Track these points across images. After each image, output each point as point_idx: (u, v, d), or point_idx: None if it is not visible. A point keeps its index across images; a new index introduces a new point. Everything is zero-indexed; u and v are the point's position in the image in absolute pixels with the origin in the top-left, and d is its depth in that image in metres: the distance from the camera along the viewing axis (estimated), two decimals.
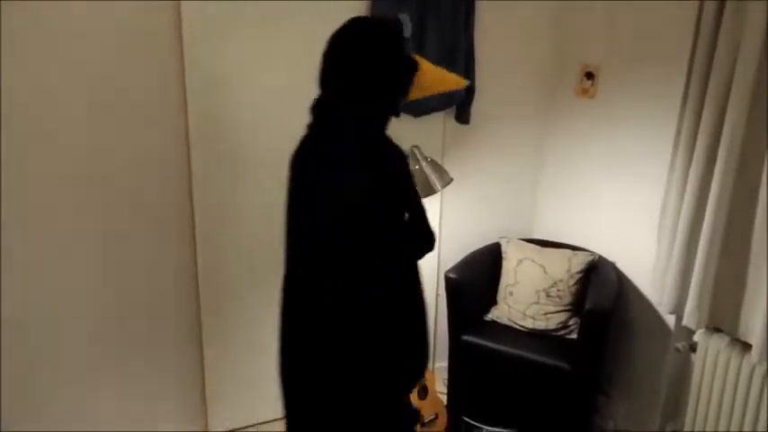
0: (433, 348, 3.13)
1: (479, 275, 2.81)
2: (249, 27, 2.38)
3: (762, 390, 2.14)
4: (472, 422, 2.74)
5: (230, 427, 2.79)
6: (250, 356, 2.74)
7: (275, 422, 2.85)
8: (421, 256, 1.72)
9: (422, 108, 2.69)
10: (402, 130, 2.69)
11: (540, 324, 2.68)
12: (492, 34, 2.76)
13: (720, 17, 2.11)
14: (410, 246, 1.70)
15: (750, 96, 2.06)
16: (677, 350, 2.48)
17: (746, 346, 2.21)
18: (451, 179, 2.46)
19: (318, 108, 1.65)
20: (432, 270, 3.00)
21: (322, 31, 1.66)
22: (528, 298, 2.71)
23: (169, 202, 2.43)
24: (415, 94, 1.73)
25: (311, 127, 1.68)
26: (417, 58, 1.71)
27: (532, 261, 2.74)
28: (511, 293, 2.77)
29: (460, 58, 2.66)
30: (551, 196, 3.09)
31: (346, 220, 1.57)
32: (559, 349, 2.55)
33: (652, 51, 2.50)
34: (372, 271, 1.62)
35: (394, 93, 1.67)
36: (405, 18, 2.34)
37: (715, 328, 2.34)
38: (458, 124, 2.82)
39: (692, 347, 2.41)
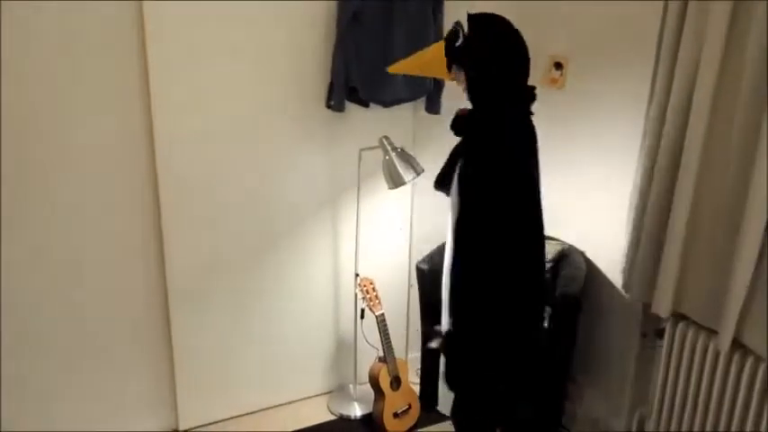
0: (406, 339, 3.13)
1: None
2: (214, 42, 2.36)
3: (727, 375, 2.18)
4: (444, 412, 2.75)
5: (201, 423, 2.75)
6: (220, 351, 2.71)
7: (246, 417, 2.82)
8: None
9: (392, 98, 2.66)
10: (372, 121, 2.69)
11: None
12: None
13: (686, 3, 2.13)
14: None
15: (715, 84, 2.07)
16: (644, 336, 2.51)
17: (713, 333, 2.25)
18: (423, 170, 2.44)
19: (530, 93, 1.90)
20: (403, 261, 3.00)
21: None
22: None
23: (134, 195, 2.38)
24: None
25: (523, 108, 1.90)
26: None
27: None
28: None
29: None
30: None
31: None
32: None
33: (620, 40, 2.50)
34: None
35: None
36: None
37: (682, 315, 2.37)
38: (428, 115, 2.80)
39: (660, 334, 2.45)
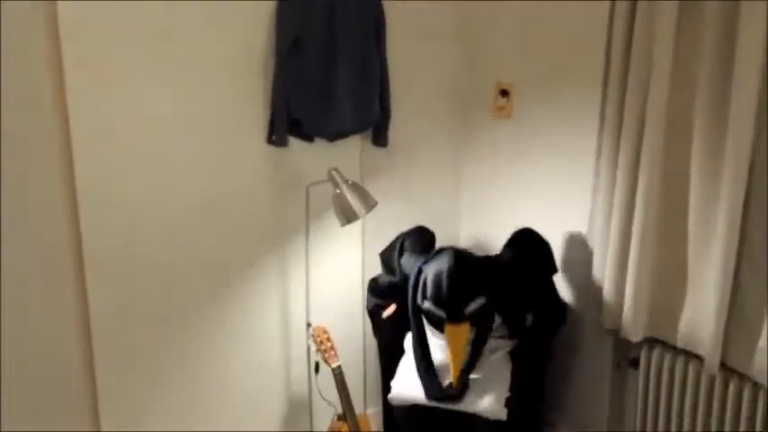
0: (364, 392, 2.88)
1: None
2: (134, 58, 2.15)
3: (710, 397, 2.07)
4: None
5: None
6: (153, 419, 2.37)
7: None
8: None
9: (337, 132, 2.51)
10: (317, 156, 2.52)
11: None
12: (403, 54, 2.66)
13: (632, 26, 2.11)
14: None
15: (666, 106, 2.04)
16: (618, 366, 2.39)
17: (690, 355, 2.15)
18: (376, 203, 2.28)
19: None
20: (356, 306, 2.78)
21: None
22: None
23: (52, 218, 2.13)
24: None
25: None
26: None
27: None
28: None
29: (374, 78, 2.52)
30: (475, 216, 2.98)
31: None
32: None
33: (565, 65, 2.47)
34: None
35: None
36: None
37: (655, 340, 2.27)
38: (375, 148, 2.66)
39: (634, 363, 2.33)
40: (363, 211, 2.23)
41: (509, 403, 2.19)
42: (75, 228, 2.13)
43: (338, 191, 2.23)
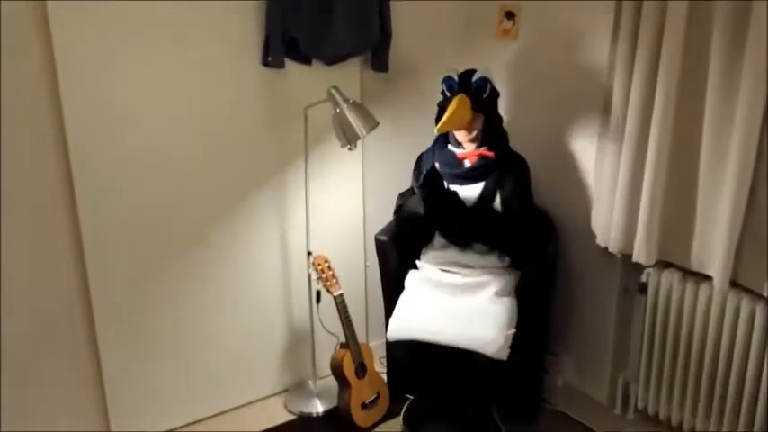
0: (366, 324, 2.85)
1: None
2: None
3: (722, 318, 2.02)
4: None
5: None
6: (155, 356, 2.34)
7: (191, 426, 2.46)
8: None
9: (335, 53, 2.40)
10: (315, 80, 2.41)
11: None
12: None
13: None
14: None
15: (685, 25, 1.94)
16: (626, 292, 2.34)
17: (701, 277, 2.10)
18: (377, 123, 2.19)
19: None
20: (357, 236, 2.73)
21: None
22: None
23: (48, 196, 2.06)
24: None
25: None
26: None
27: None
28: None
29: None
30: None
31: None
32: None
33: None
34: None
35: None
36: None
37: (665, 263, 2.22)
38: (375, 73, 2.56)
39: (642, 288, 2.28)
40: (364, 130, 2.14)
41: (512, 340, 2.14)
42: (65, 157, 2.04)
43: (338, 110, 2.14)
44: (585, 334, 2.57)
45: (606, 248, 2.31)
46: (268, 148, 2.42)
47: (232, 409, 2.55)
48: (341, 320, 2.38)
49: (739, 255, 1.96)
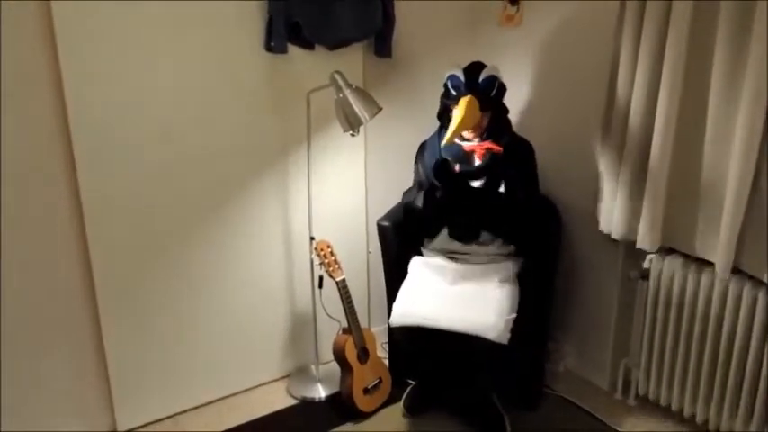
0: (368, 310, 2.86)
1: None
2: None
3: (724, 304, 2.03)
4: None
5: (141, 423, 2.38)
6: (158, 340, 2.35)
7: (194, 411, 2.47)
8: None
9: (338, 38, 2.39)
10: (318, 65, 2.41)
11: None
12: None
13: None
14: None
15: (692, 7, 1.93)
16: (629, 278, 2.34)
17: (703, 263, 2.10)
18: (380, 108, 2.18)
19: None
20: (360, 222, 2.73)
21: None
22: None
23: (52, 183, 2.06)
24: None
25: None
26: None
27: None
28: None
29: None
30: None
31: None
32: None
33: None
34: None
35: None
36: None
37: (667, 250, 2.22)
38: (378, 58, 2.55)
39: (643, 274, 2.28)
40: (367, 116, 2.13)
41: (513, 325, 2.14)
42: (68, 147, 2.04)
43: (341, 95, 2.14)
44: (587, 320, 2.58)
45: (608, 235, 2.32)
46: (271, 134, 2.42)
47: (235, 394, 2.57)
48: (343, 306, 2.39)
49: (741, 241, 1.96)
